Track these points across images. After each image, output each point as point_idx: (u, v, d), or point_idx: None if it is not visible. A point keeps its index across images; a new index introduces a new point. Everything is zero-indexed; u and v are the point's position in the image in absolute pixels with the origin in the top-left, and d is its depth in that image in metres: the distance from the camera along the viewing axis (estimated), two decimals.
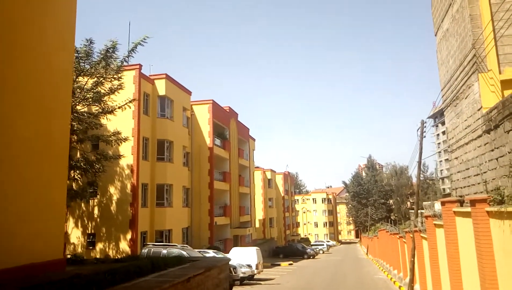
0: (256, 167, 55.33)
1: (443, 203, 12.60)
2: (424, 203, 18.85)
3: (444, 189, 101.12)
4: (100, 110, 18.28)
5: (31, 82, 7.43)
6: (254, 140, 51.56)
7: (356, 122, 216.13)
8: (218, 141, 36.58)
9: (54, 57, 8.10)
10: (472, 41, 10.34)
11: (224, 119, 38.47)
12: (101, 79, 17.29)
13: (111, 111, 18.51)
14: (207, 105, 34.72)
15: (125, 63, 18.55)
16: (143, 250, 16.91)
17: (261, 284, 22.04)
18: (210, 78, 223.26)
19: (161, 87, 26.90)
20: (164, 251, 15.46)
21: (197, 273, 7.91)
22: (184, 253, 15.06)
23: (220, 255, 22.01)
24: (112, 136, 19.45)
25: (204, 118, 34.54)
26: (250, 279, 22.56)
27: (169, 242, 25.51)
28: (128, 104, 18.89)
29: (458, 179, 12.97)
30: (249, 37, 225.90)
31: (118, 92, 18.78)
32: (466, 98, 11.45)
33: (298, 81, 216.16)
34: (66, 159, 8.56)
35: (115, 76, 17.84)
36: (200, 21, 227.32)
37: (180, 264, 8.92)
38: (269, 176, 60.82)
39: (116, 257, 22.80)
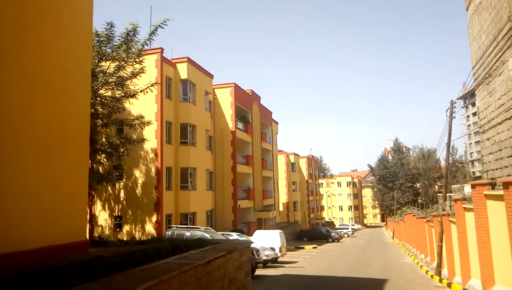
0: (279, 150, 55.08)
1: (473, 186, 12.09)
2: (453, 186, 18.27)
3: (474, 172, 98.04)
4: (123, 94, 18.37)
5: (49, 67, 7.41)
6: (277, 123, 51.18)
7: (383, 105, 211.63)
8: (240, 125, 36.45)
9: (71, 42, 8.05)
10: (508, 13, 9.65)
11: (246, 102, 38.23)
12: (123, 63, 17.31)
13: (133, 95, 18.59)
14: (229, 88, 34.52)
15: (146, 47, 18.51)
16: (166, 232, 17.13)
17: (284, 266, 22.07)
18: (232, 63, 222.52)
19: (183, 70, 26.86)
20: (188, 234, 15.60)
21: (218, 256, 7.86)
22: (207, 235, 15.15)
23: (244, 237, 22.12)
24: (135, 120, 19.59)
25: (226, 101, 34.41)
26: (273, 261, 22.61)
27: (193, 225, 25.84)
28: (150, 87, 18.90)
29: (489, 161, 12.38)
30: (272, 22, 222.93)
31: (140, 76, 18.80)
32: (499, 75, 10.80)
33: (323, 64, 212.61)
34: (87, 141, 8.60)
35: (136, 59, 17.83)
36: (224, 8, 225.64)
37: (202, 247, 8.90)
38: (292, 160, 60.50)
39: (141, 239, 23.35)
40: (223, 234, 20.03)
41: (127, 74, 18.08)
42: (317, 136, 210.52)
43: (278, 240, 24.39)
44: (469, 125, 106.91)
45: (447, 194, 18.85)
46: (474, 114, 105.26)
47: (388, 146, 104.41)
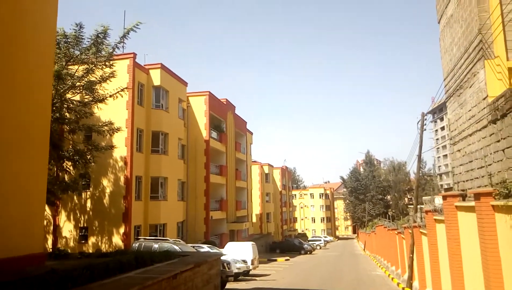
0: (253, 161, 54.79)
1: (444, 198, 12.13)
2: (423, 198, 18.41)
3: (441, 185, 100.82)
4: (91, 99, 17.63)
5: (7, 59, 6.85)
6: (251, 133, 50.99)
7: (354, 118, 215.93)
8: (214, 134, 35.99)
9: (33, 35, 7.51)
10: (479, 26, 9.80)
11: (221, 111, 37.87)
12: (92, 66, 16.64)
13: (102, 100, 17.88)
14: (204, 96, 34.09)
15: (117, 50, 17.91)
16: (133, 245, 16.40)
17: (256, 279, 21.60)
18: (206, 73, 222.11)
19: (156, 77, 26.28)
20: (156, 246, 14.95)
21: (185, 269, 7.42)
22: (176, 247, 14.56)
23: (215, 250, 21.56)
24: (104, 126, 18.83)
25: (200, 110, 33.93)
26: (245, 274, 22.12)
27: (163, 237, 25.02)
28: (120, 92, 18.24)
29: (460, 173, 12.48)
30: (246, 33, 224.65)
31: (110, 81, 18.14)
32: (470, 87, 10.94)
33: (295, 77, 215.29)
34: (46, 144, 8.02)
35: (106, 63, 17.18)
36: (199, 16, 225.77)
37: (169, 259, 8.43)
38: (266, 171, 60.31)
39: (108, 251, 22.38)
40: (193, 246, 19.39)
41: (96, 78, 17.41)
42: (291, 147, 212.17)
43: (251, 252, 23.93)
44: (437, 139, 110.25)
45: (418, 206, 18.98)
46: (443, 128, 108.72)
47: (360, 158, 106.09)
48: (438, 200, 18.49)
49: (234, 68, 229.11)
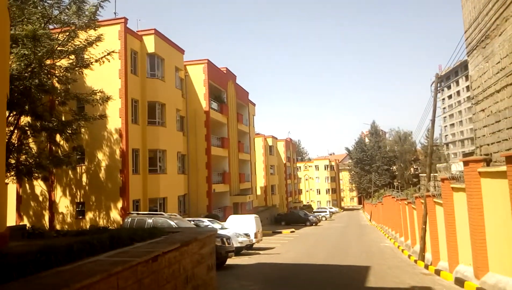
0: (256, 133, 53.58)
1: (466, 163, 10.88)
2: (438, 165, 17.15)
3: (448, 155, 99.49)
4: (74, 64, 16.22)
5: None
6: (254, 105, 49.51)
7: (360, 89, 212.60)
8: (215, 105, 34.61)
9: None
10: None
11: (221, 81, 36.32)
12: (73, 27, 15.16)
13: (87, 65, 16.48)
14: (202, 65, 32.47)
15: (103, 12, 16.42)
16: (126, 220, 15.42)
17: (260, 253, 20.76)
18: (205, 41, 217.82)
19: (150, 44, 24.71)
20: (149, 221, 13.94)
21: (168, 249, 6.26)
22: (172, 223, 13.57)
23: (216, 224, 20.66)
24: (92, 95, 17.51)
25: (199, 79, 32.41)
26: (248, 248, 21.28)
27: (164, 211, 24.19)
28: (106, 56, 16.78)
29: (484, 135, 11.15)
30: (250, 5, 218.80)
31: (97, 45, 16.68)
32: (500, 35, 9.47)
33: (299, 48, 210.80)
34: (3, 105, 6.77)
35: (90, 24, 15.65)
36: None
37: (153, 238, 7.30)
38: (270, 143, 59.18)
39: (107, 226, 21.56)
40: (192, 221, 18.44)
41: (81, 42, 15.96)
42: (295, 119, 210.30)
43: (253, 225, 23.02)
44: (444, 108, 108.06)
45: (431, 174, 17.80)
46: (450, 96, 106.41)
47: (365, 129, 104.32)
48: (456, 167, 17.30)
49: (236, 41, 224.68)
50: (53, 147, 21.71)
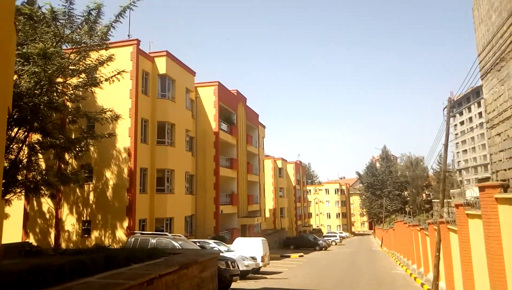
0: (266, 155, 53.27)
1: (482, 189, 10.43)
2: (451, 191, 16.61)
3: (461, 181, 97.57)
4: (84, 82, 16.33)
5: None
6: (264, 127, 49.45)
7: (372, 114, 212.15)
8: (224, 126, 34.57)
9: None
10: None
11: (231, 103, 36.41)
12: (84, 46, 15.33)
13: (97, 84, 16.57)
14: (213, 87, 32.64)
15: (114, 32, 16.64)
16: (129, 239, 15.11)
17: (266, 278, 20.15)
18: (217, 67, 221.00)
19: (161, 65, 24.96)
20: (153, 241, 13.63)
21: (165, 272, 5.97)
22: (176, 244, 13.22)
23: (222, 246, 20.18)
24: (102, 114, 17.55)
25: (209, 101, 32.52)
26: (255, 272, 20.68)
27: (170, 231, 23.82)
28: (116, 76, 16.86)
29: (500, 160, 10.71)
30: (262, 28, 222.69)
31: (108, 64, 16.84)
32: None
33: (312, 71, 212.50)
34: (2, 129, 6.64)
35: (101, 44, 15.84)
36: (213, 13, 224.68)
37: (153, 259, 7.02)
38: (280, 165, 58.75)
39: (110, 246, 21.23)
40: (198, 242, 18.03)
41: (92, 61, 16.11)
42: (305, 143, 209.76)
43: (261, 248, 22.45)
44: (456, 134, 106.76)
45: (445, 200, 17.22)
46: (462, 123, 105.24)
47: (376, 154, 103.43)
48: (470, 193, 16.71)
49: (248, 63, 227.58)
50: (62, 165, 21.75)
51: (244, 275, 17.82)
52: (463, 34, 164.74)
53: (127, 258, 6.51)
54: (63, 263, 5.45)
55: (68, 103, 20.02)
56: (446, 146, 17.12)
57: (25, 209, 24.08)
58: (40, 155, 19.67)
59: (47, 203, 23.72)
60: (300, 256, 37.01)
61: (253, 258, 20.39)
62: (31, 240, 23.56)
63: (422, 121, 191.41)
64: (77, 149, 16.84)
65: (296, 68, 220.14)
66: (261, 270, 22.15)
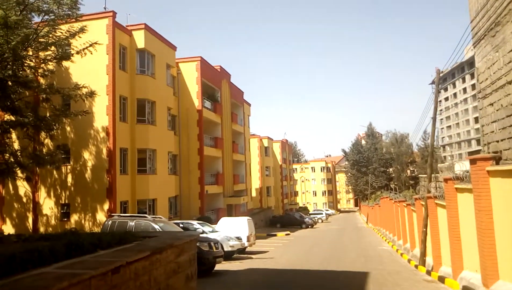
0: (252, 134, 52.66)
1: (473, 161, 10.04)
2: (439, 165, 16.33)
3: (445, 157, 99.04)
4: (54, 55, 15.23)
5: None
6: (249, 105, 48.62)
7: (356, 91, 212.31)
8: (208, 104, 33.67)
9: None
10: None
11: (214, 79, 35.39)
12: (52, 15, 14.20)
13: (67, 57, 15.51)
14: (195, 62, 31.52)
15: (87, 5, 15.48)
16: (106, 222, 14.45)
17: (252, 258, 19.83)
18: (200, 41, 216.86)
19: (140, 39, 23.78)
20: (131, 223, 13.01)
21: (134, 259, 5.31)
22: (156, 226, 12.65)
23: (207, 226, 19.70)
24: (76, 90, 16.52)
25: (191, 77, 31.46)
26: (240, 252, 20.34)
27: (154, 213, 23.22)
28: (88, 48, 15.81)
29: (493, 131, 10.30)
30: (249, 9, 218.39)
31: (80, 37, 15.73)
32: None
33: (296, 49, 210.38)
34: None
35: (72, 13, 14.70)
36: None
37: (124, 244, 6.36)
38: (266, 144, 58.28)
39: (91, 230, 20.56)
40: (181, 224, 17.48)
41: (62, 33, 15.00)
42: (291, 121, 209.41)
43: (246, 228, 22.07)
44: (441, 110, 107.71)
45: (432, 175, 16.97)
46: (447, 99, 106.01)
47: (362, 132, 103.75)
48: (459, 167, 16.46)
49: (232, 42, 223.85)
50: (36, 146, 20.72)
51: (229, 256, 17.42)
52: (447, 10, 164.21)
53: (93, 244, 5.79)
54: (14, 252, 4.72)
55: (42, 80, 18.89)
56: (434, 119, 16.74)
57: (0, 193, 23.09)
58: (13, 136, 18.64)
59: (23, 187, 22.75)
60: (286, 234, 37.00)
61: (238, 238, 20.00)
62: (8, 225, 22.71)
63: (407, 98, 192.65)
64: (49, 127, 15.87)
65: (280, 47, 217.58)
66: (247, 250, 21.84)
